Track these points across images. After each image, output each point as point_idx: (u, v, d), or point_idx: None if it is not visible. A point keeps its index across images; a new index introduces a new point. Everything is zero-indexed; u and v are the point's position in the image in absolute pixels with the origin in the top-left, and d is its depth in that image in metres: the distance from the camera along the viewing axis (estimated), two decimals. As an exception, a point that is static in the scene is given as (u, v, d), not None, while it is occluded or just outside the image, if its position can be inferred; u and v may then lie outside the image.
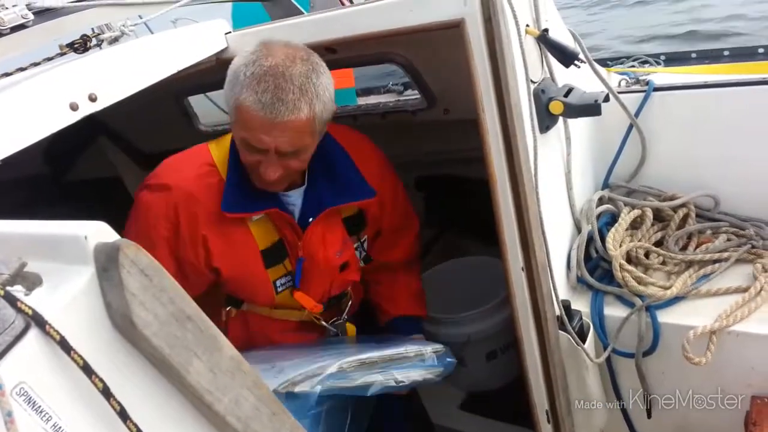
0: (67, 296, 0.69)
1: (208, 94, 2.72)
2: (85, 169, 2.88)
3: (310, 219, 1.58)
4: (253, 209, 1.53)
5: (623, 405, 1.72)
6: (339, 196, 1.58)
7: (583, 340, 1.58)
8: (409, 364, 1.59)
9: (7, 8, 1.39)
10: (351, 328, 1.81)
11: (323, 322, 1.75)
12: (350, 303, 1.81)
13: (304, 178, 1.60)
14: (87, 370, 0.67)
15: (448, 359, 1.66)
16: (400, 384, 1.55)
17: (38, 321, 0.65)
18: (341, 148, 1.62)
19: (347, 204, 1.62)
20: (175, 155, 1.61)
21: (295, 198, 1.59)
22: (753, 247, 1.70)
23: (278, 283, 1.63)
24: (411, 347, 1.64)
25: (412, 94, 2.85)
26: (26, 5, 1.46)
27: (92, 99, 1.34)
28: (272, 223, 1.57)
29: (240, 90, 1.32)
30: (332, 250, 1.64)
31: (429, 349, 1.65)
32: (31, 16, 1.44)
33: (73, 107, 1.30)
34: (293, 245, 1.59)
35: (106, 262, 0.69)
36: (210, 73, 1.68)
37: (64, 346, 0.66)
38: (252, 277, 1.61)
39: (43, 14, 1.50)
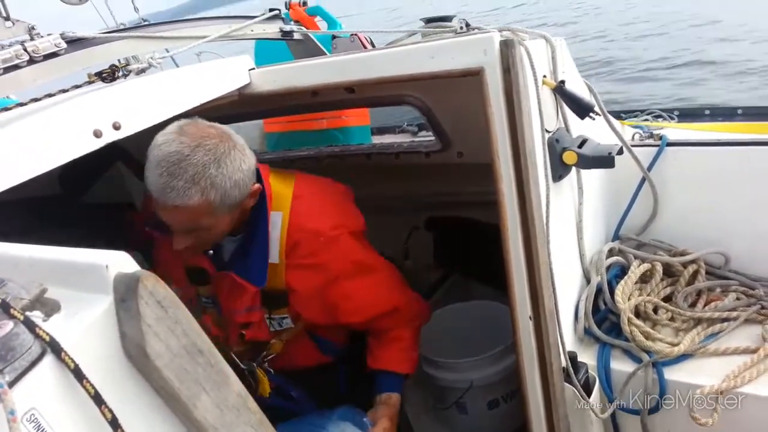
0: (84, 324, 0.69)
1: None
2: (100, 193, 2.91)
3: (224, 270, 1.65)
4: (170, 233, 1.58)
5: (627, 462, 1.69)
6: (240, 269, 1.62)
7: (589, 394, 1.56)
8: None
9: (42, 36, 1.44)
10: (262, 376, 1.75)
11: (233, 354, 1.72)
12: (271, 355, 1.76)
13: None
14: (97, 399, 0.67)
15: None
16: None
17: (54, 348, 0.66)
18: (265, 229, 1.60)
19: (246, 283, 1.62)
20: None
21: (229, 242, 1.66)
22: (762, 307, 1.69)
23: (203, 299, 1.75)
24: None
25: (427, 136, 2.89)
26: (60, 34, 1.50)
27: (116, 127, 1.37)
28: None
29: (146, 170, 1.41)
30: (232, 305, 1.68)
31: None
32: (63, 45, 1.48)
33: (97, 134, 1.33)
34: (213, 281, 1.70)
35: (125, 293, 0.70)
36: (232, 107, 1.72)
37: (78, 374, 0.66)
38: (178, 284, 1.71)
39: (75, 43, 1.55)
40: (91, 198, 2.81)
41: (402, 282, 1.84)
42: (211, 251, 1.64)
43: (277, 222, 1.61)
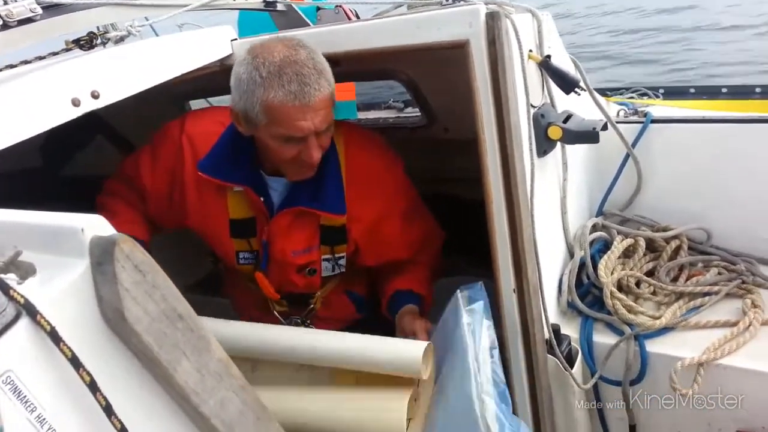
0: (60, 287, 0.68)
1: (209, 99, 2.73)
2: (81, 167, 2.87)
3: (283, 209, 1.62)
4: (225, 178, 1.60)
5: (609, 431, 1.72)
6: (311, 200, 1.60)
7: (571, 366, 1.58)
8: None
9: (16, 1, 1.40)
10: None
11: (275, 312, 1.77)
12: (313, 311, 1.79)
13: None
14: (75, 362, 0.66)
15: None
16: None
17: (30, 310, 0.64)
18: (336, 156, 1.62)
19: (322, 213, 1.61)
20: (211, 107, 1.88)
21: (280, 184, 1.62)
22: (743, 282, 1.71)
23: (241, 255, 1.70)
24: None
25: (413, 112, 2.87)
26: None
27: (95, 96, 1.34)
28: (250, 200, 1.62)
29: (263, 92, 1.37)
30: (291, 246, 1.65)
31: None
32: (39, 11, 1.44)
33: (75, 103, 1.30)
34: (262, 227, 1.65)
35: (101, 256, 0.68)
36: (213, 79, 1.69)
37: (54, 337, 0.65)
38: (216, 239, 1.70)
39: (51, 9, 1.50)
40: (71, 171, 2.78)
41: (437, 228, 1.89)
42: (262, 197, 1.61)
43: (337, 154, 1.62)
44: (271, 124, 1.42)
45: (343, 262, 1.73)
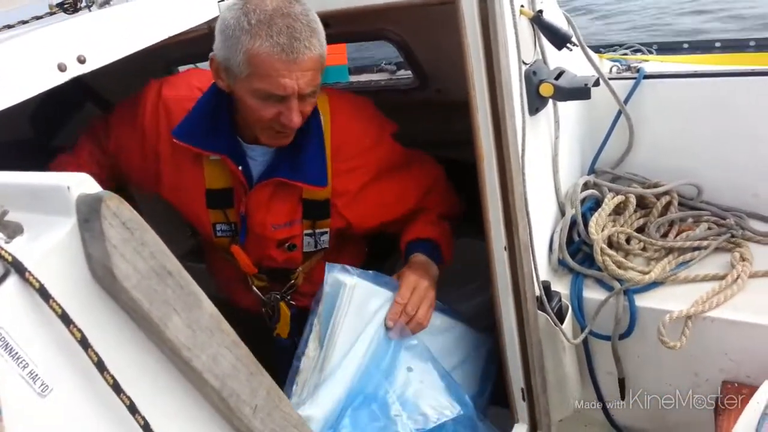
0: (48, 245, 0.69)
1: (197, 64, 2.69)
2: (71, 136, 2.85)
3: (262, 180, 1.55)
4: (201, 145, 1.53)
5: (598, 386, 1.75)
6: (291, 171, 1.53)
7: (562, 321, 1.60)
8: None
9: (-4, -37, 1.37)
10: (284, 310, 1.74)
11: (254, 288, 1.72)
12: (294, 288, 1.74)
13: None
14: (65, 319, 0.67)
15: None
16: None
17: (18, 268, 0.65)
18: (319, 125, 1.56)
19: (303, 184, 1.55)
20: (193, 69, 1.77)
21: (260, 153, 1.56)
22: (733, 236, 1.73)
23: (217, 227, 1.64)
24: None
25: (405, 74, 2.84)
26: (16, -39, 1.44)
27: (81, 61, 1.33)
28: (228, 169, 1.56)
29: (249, 39, 1.29)
30: (272, 219, 1.59)
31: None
32: (20, -27, 1.42)
33: (62, 68, 1.29)
34: (240, 198, 1.58)
35: (88, 213, 0.69)
36: (201, 43, 1.66)
37: (44, 294, 0.66)
38: (192, 210, 1.64)
39: (34, -28, 1.48)
40: (61, 141, 2.76)
41: (440, 177, 1.83)
42: (240, 166, 1.54)
43: (320, 124, 1.55)
44: (252, 77, 1.33)
45: (326, 238, 1.66)
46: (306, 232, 1.64)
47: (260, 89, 1.35)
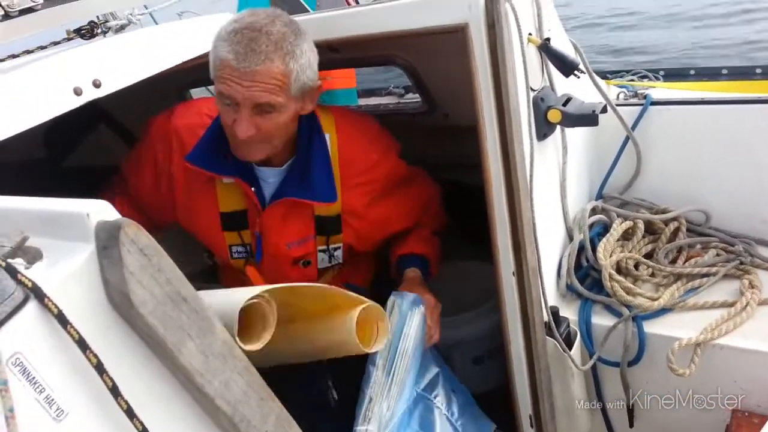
0: (67, 271, 0.70)
1: (209, 88, 2.73)
2: (83, 156, 2.88)
3: (274, 200, 1.60)
4: (216, 170, 1.57)
5: (607, 413, 1.74)
6: (301, 190, 1.57)
7: (570, 347, 1.59)
8: None
9: (17, -9, 1.41)
10: None
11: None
12: None
13: (286, 160, 1.60)
14: (82, 344, 0.68)
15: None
16: None
17: (37, 294, 0.66)
18: (324, 143, 1.60)
19: (313, 202, 1.59)
20: (202, 98, 1.77)
21: (271, 175, 1.60)
22: (741, 263, 1.72)
23: (233, 249, 1.67)
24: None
25: (413, 98, 2.87)
26: (36, -11, 1.47)
27: (96, 85, 1.35)
28: (241, 191, 1.60)
29: (218, 43, 1.37)
30: (286, 239, 1.62)
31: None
32: (40, 0, 1.45)
33: (77, 92, 1.31)
34: (254, 220, 1.62)
35: (107, 240, 0.70)
36: None
37: (61, 319, 0.67)
38: (207, 234, 1.67)
39: (52, -1, 1.52)
40: (74, 161, 2.79)
41: (435, 194, 1.91)
42: (253, 188, 1.58)
43: (327, 142, 1.60)
44: (216, 80, 1.40)
45: (339, 253, 1.70)
46: (320, 248, 1.68)
47: (218, 90, 1.41)
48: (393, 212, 1.73)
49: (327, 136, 1.60)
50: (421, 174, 1.86)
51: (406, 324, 1.50)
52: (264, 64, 1.33)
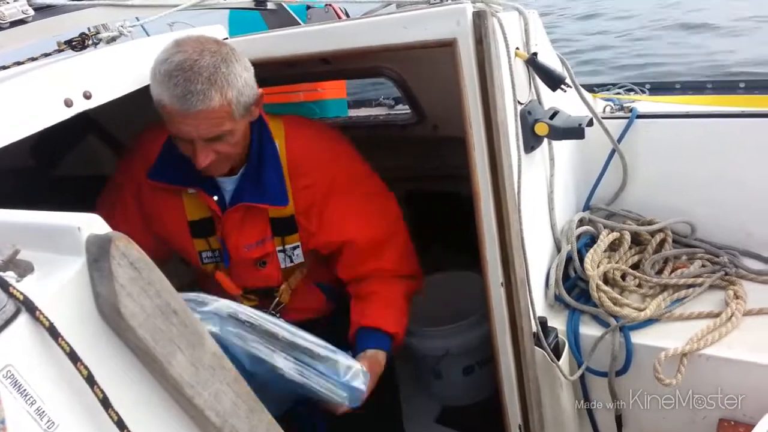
0: (58, 284, 0.70)
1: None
2: (72, 166, 2.88)
3: (231, 206, 1.65)
4: (177, 182, 1.64)
5: (595, 423, 1.75)
6: (254, 195, 1.63)
7: (558, 357, 1.61)
8: (325, 369, 1.40)
9: (8, 2, 1.41)
10: None
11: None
12: (281, 305, 1.80)
13: (240, 168, 1.65)
14: (73, 357, 0.69)
15: (356, 385, 1.44)
16: (300, 382, 1.37)
17: (29, 307, 0.67)
18: (274, 150, 1.65)
19: (265, 206, 1.64)
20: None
21: (229, 183, 1.66)
22: (726, 274, 1.75)
23: (203, 255, 1.74)
24: (342, 357, 1.45)
25: (403, 109, 2.90)
26: (27, 1, 1.47)
27: (87, 96, 1.36)
28: (203, 200, 1.66)
29: (157, 88, 1.40)
30: (244, 241, 1.68)
31: (358, 366, 1.46)
32: (31, 12, 1.45)
33: (68, 103, 1.32)
34: (218, 226, 1.69)
35: (98, 254, 0.71)
36: None
37: (53, 332, 0.67)
38: (178, 242, 1.73)
39: (44, 11, 1.52)
40: (62, 171, 2.78)
41: (402, 225, 1.83)
42: (215, 197, 1.64)
43: (276, 148, 1.65)
44: (165, 121, 1.45)
45: (298, 252, 1.74)
46: (278, 248, 1.73)
47: (170, 131, 1.47)
48: (346, 213, 1.71)
49: (276, 144, 1.66)
50: (386, 193, 1.82)
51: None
52: (204, 104, 1.38)
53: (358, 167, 1.76)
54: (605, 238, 1.82)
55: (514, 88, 1.50)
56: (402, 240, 1.82)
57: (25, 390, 0.67)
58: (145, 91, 1.50)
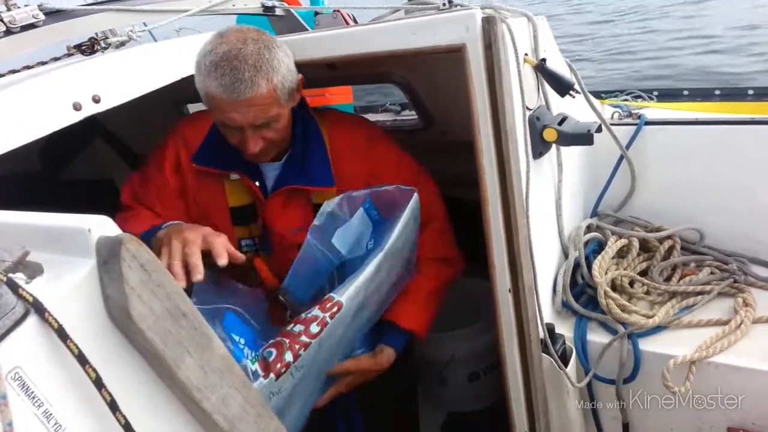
0: (67, 286, 0.70)
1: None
2: (79, 170, 2.89)
3: (275, 190, 1.66)
4: (221, 167, 1.66)
5: (602, 430, 1.74)
6: (300, 177, 1.65)
7: (566, 364, 1.60)
8: None
9: (19, 7, 1.42)
10: None
11: (280, 297, 1.66)
12: None
13: (285, 153, 1.67)
14: (81, 359, 0.68)
15: None
16: None
17: (38, 308, 0.66)
18: (320, 136, 1.68)
19: (311, 187, 1.65)
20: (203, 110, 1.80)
21: (272, 170, 1.68)
22: (735, 281, 1.74)
23: (243, 243, 1.72)
24: None
25: (410, 115, 2.90)
26: (38, 6, 1.49)
27: (96, 100, 1.37)
28: (247, 186, 1.68)
29: (204, 79, 1.43)
30: (288, 225, 1.68)
31: None
32: (41, 17, 1.47)
33: (77, 107, 1.32)
34: (260, 212, 1.69)
35: (108, 256, 0.70)
36: None
37: (61, 334, 0.67)
38: (218, 229, 1.66)
39: (54, 15, 1.53)
40: (69, 174, 2.80)
41: (442, 206, 1.83)
42: (257, 182, 1.65)
43: (321, 134, 1.68)
44: (213, 111, 1.48)
45: None
46: None
47: (218, 120, 1.51)
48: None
49: (321, 131, 1.68)
50: (428, 177, 1.83)
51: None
52: (252, 90, 1.41)
53: (399, 152, 1.79)
54: (613, 245, 1.81)
55: (522, 93, 1.49)
56: (440, 222, 1.82)
57: (32, 392, 0.66)
58: (152, 94, 1.51)
